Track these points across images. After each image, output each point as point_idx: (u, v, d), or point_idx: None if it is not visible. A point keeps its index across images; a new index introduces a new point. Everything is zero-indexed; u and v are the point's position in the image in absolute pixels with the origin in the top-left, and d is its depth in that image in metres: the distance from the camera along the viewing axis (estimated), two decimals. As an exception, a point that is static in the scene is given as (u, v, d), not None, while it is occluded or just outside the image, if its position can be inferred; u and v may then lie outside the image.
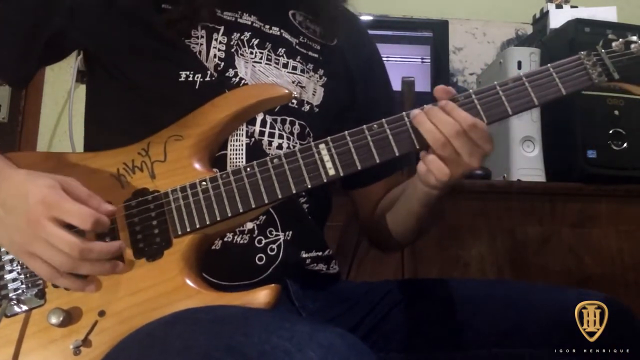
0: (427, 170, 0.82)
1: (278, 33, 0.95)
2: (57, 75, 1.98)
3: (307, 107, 0.94)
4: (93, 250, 0.73)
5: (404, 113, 0.82)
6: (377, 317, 0.90)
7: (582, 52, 0.85)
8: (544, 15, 1.86)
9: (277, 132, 0.90)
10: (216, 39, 0.89)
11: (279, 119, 0.90)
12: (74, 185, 0.76)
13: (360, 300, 0.93)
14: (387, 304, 0.92)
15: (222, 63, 0.89)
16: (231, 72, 0.89)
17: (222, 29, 0.91)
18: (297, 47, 0.96)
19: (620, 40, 0.86)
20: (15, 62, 0.91)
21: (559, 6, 1.85)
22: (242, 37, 0.91)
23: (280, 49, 0.94)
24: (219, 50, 0.89)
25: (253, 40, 0.92)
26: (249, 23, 0.93)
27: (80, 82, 2.00)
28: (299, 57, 0.95)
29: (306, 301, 0.88)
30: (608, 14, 1.75)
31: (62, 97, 2.01)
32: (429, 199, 0.87)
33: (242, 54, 0.91)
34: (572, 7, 1.84)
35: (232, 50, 0.90)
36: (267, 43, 0.93)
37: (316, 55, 0.98)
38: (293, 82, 0.93)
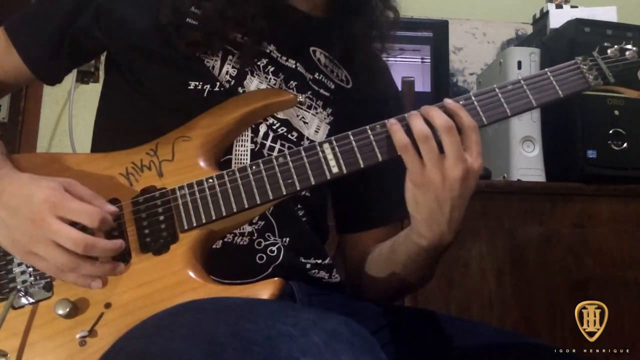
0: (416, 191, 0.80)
1: (293, 66, 0.95)
2: (57, 75, 1.98)
3: (306, 143, 0.93)
4: (97, 246, 0.74)
5: (405, 115, 0.82)
6: (382, 341, 0.88)
7: (578, 58, 0.87)
8: (544, 15, 1.86)
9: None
10: (231, 59, 0.91)
11: (277, 146, 0.90)
12: (77, 186, 0.77)
13: (365, 320, 0.91)
14: (395, 328, 0.90)
15: (233, 80, 0.90)
16: (240, 90, 0.90)
17: (238, 52, 0.91)
18: (309, 82, 0.96)
19: (616, 47, 0.88)
20: (48, 58, 0.95)
21: (559, 6, 1.85)
22: (258, 63, 0.93)
23: (291, 82, 0.94)
24: (233, 67, 0.91)
25: (269, 67, 0.93)
26: (267, 51, 0.94)
27: (80, 82, 2.00)
28: (309, 93, 0.96)
29: (310, 306, 0.87)
30: (608, 14, 1.75)
31: (62, 97, 2.02)
32: (418, 249, 0.85)
33: (256, 74, 0.92)
34: (572, 7, 1.84)
35: (246, 69, 0.92)
36: (281, 73, 0.94)
37: (327, 94, 0.98)
38: (297, 116, 0.94)
